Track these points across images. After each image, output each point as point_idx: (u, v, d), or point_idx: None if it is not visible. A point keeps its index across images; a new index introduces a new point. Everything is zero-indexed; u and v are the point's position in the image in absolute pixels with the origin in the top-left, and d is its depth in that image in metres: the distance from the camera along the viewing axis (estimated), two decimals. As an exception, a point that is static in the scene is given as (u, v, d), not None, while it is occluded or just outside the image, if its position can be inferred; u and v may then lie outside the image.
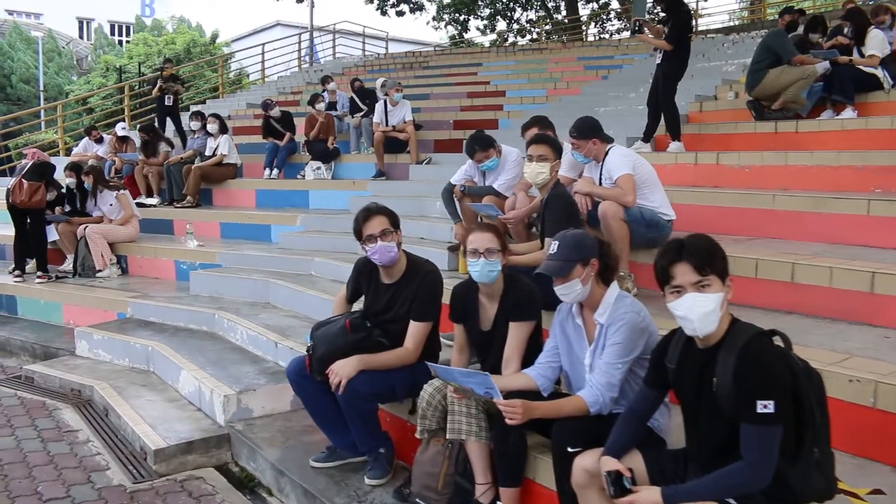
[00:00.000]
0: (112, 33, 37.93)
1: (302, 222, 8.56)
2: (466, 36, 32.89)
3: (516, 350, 3.60)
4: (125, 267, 8.62)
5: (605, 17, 32.77)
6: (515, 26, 33.50)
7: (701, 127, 8.43)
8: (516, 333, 3.60)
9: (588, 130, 5.17)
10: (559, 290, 3.22)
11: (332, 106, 11.56)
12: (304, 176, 10.50)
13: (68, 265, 8.60)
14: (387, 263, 3.92)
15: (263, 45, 19.51)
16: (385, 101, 10.24)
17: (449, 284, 4.18)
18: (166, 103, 12.17)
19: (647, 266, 5.24)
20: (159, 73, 13.41)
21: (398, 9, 29.55)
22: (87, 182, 8.38)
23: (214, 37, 27.50)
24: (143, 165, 10.64)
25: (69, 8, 38.01)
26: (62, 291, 7.74)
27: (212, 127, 10.31)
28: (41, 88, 28.04)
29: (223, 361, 5.50)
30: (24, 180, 7.93)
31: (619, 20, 32.98)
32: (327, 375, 3.80)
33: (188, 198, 9.98)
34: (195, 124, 10.83)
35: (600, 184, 5.22)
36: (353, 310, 4.26)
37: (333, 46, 22.33)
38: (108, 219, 8.67)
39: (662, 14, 8.33)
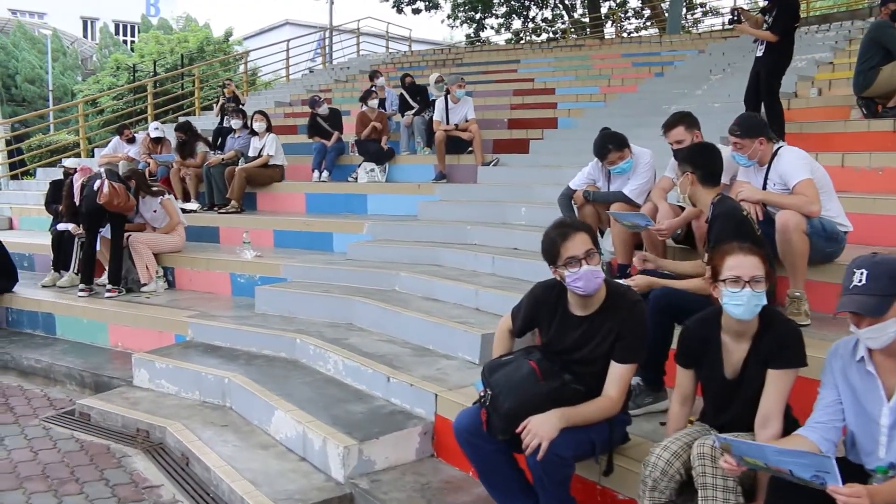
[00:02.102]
0: (117, 33, 36.96)
1: (369, 231, 7.69)
2: (483, 35, 32.22)
3: (778, 406, 2.77)
4: (172, 280, 7.74)
5: (623, 15, 32.09)
6: (531, 25, 32.85)
7: (802, 126, 7.64)
8: (779, 384, 2.77)
9: (755, 128, 4.43)
10: (867, 332, 2.42)
11: (380, 103, 10.68)
12: (355, 178, 9.66)
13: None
14: (592, 292, 3.07)
15: (288, 41, 18.66)
16: (446, 98, 9.40)
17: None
18: (225, 125, 11.21)
19: (817, 284, 4.48)
20: (220, 93, 12.64)
21: (414, 6, 28.81)
22: (129, 187, 7.48)
23: (228, 35, 26.59)
24: (179, 167, 9.77)
25: (73, 7, 37.09)
26: (107, 309, 6.84)
27: (258, 125, 9.43)
28: (49, 88, 27.07)
29: (322, 399, 4.63)
30: (111, 182, 7.07)
31: (637, 18, 32.39)
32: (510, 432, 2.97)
33: (232, 202, 9.11)
34: (236, 122, 9.97)
35: (764, 189, 4.46)
36: (517, 347, 3.42)
37: (357, 44, 21.51)
38: (151, 227, 7.79)
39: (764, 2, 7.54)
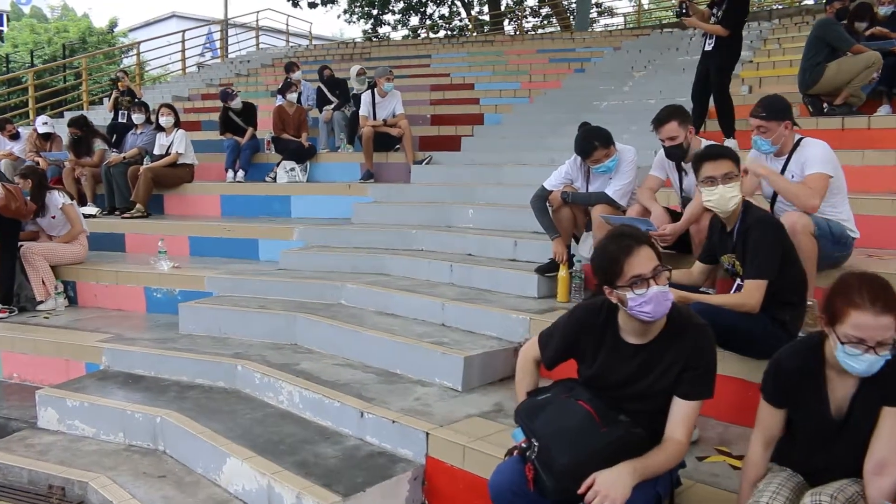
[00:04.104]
0: (-17, 21, 34.11)
1: (300, 236, 6.94)
2: (380, 31, 31.60)
3: None
4: (73, 296, 6.75)
5: (520, 13, 32.11)
6: (428, 22, 32.46)
7: (748, 123, 7.40)
8: None
9: (782, 110, 4.04)
10: None
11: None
12: (274, 178, 8.86)
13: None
14: (660, 317, 2.53)
15: (184, 32, 17.48)
16: (372, 92, 8.73)
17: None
18: (121, 120, 10.13)
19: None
20: (113, 85, 11.51)
21: (310, 0, 27.79)
22: (25, 187, 6.46)
23: (113, 25, 24.80)
24: (73, 167, 8.70)
25: (-69, -7, 34.01)
26: (-1, 334, 5.86)
27: (165, 120, 8.48)
28: None
29: (282, 440, 3.91)
30: (3, 183, 6.07)
31: (534, 17, 32.47)
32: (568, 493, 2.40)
33: (137, 206, 8.14)
34: (138, 117, 8.97)
35: None
36: (545, 380, 2.84)
37: (257, 37, 20.46)
38: (47, 235, 6.79)
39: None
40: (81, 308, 6.67)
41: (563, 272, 4.90)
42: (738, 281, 3.57)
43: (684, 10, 7.24)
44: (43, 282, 6.47)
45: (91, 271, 6.74)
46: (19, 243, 6.47)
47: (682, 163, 4.62)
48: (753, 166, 3.98)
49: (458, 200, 7.15)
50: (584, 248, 5.01)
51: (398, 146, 8.74)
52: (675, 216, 4.56)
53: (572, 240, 5.13)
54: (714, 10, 7.01)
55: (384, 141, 8.65)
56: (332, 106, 9.82)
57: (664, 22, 24.76)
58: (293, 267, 6.44)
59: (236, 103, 9.25)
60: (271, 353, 4.96)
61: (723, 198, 3.43)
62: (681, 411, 2.56)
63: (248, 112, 9.35)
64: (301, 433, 4.00)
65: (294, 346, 5.17)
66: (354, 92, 9.82)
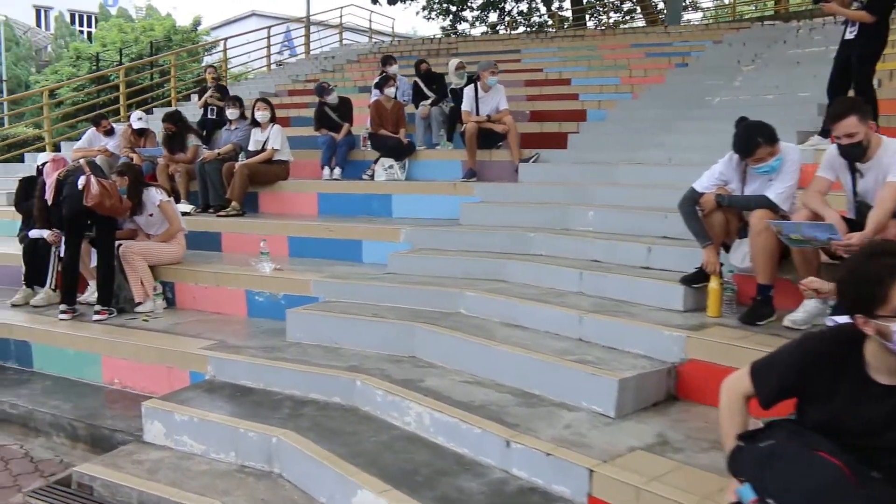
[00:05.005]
0: (73, 22, 34.94)
1: (407, 238, 6.53)
2: (459, 28, 31.24)
3: None
4: (172, 297, 6.49)
5: (601, 9, 31.40)
6: (507, 18, 32.00)
7: (890, 119, 6.76)
8: None
9: None
10: None
11: (391, 92, 9.52)
12: (371, 176, 8.49)
13: (91, 294, 6.46)
14: None
15: (269, 28, 17.41)
16: (475, 87, 8.27)
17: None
18: (209, 116, 10.03)
19: None
20: (202, 83, 11.40)
21: (390, -4, 27.58)
22: (121, 184, 6.22)
23: (196, 23, 25.00)
24: (167, 163, 8.49)
25: (25, -5, 35.04)
26: (99, 337, 5.56)
27: (262, 115, 8.20)
28: (3, 79, 25.24)
29: (416, 469, 3.48)
30: (99, 179, 5.87)
31: (616, 12, 31.74)
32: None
33: (233, 204, 7.86)
34: (232, 112, 8.71)
35: None
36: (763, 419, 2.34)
37: (340, 34, 20.32)
38: (145, 233, 6.55)
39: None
40: (180, 310, 6.38)
41: (713, 284, 4.38)
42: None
43: None
44: (142, 282, 6.22)
45: (190, 272, 6.46)
46: (117, 242, 6.23)
47: (859, 163, 4.04)
48: None
49: (572, 201, 6.63)
50: (736, 258, 4.48)
51: (501, 143, 8.29)
52: (847, 224, 4.00)
53: (721, 248, 4.59)
54: (855, -4, 6.39)
55: (486, 138, 8.20)
56: (430, 101, 9.42)
57: (745, 17, 23.76)
58: (402, 271, 6.03)
59: (332, 98, 8.92)
60: (390, 367, 4.55)
61: None
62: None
63: (345, 107, 9.01)
64: (436, 462, 3.56)
65: (413, 358, 4.75)
66: (452, 87, 9.41)
